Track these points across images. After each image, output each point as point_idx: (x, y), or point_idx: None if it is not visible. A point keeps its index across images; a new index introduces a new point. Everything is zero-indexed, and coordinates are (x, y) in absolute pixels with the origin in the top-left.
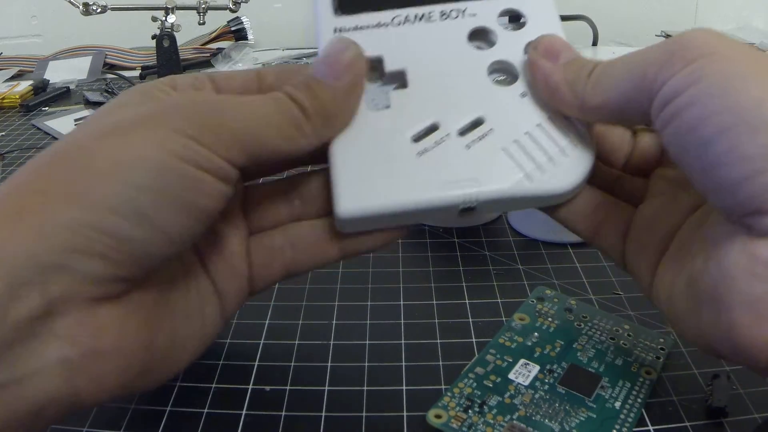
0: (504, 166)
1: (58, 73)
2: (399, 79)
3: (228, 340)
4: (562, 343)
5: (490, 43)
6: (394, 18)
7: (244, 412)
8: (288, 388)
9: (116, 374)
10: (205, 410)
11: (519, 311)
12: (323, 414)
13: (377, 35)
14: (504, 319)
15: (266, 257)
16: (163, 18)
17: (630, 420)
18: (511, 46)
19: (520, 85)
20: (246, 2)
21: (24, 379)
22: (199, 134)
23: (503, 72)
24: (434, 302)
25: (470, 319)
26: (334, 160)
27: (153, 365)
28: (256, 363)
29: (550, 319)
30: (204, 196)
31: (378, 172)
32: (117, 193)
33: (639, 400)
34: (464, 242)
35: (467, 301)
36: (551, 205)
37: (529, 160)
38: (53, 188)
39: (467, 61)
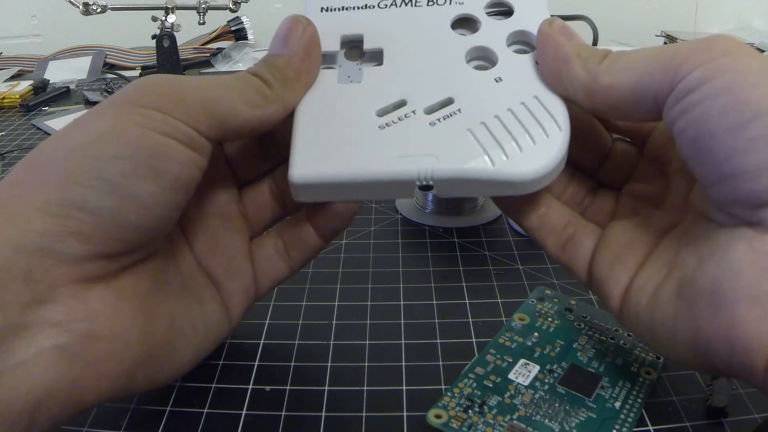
0: (466, 146)
1: (58, 73)
2: (377, 59)
3: (228, 340)
4: (562, 343)
5: (473, 31)
6: (380, 1)
7: (244, 412)
8: (288, 388)
9: (114, 360)
10: (205, 410)
11: (519, 311)
12: (323, 414)
13: (361, 15)
14: (504, 319)
15: (267, 255)
16: (163, 18)
17: (630, 420)
18: (493, 34)
19: (496, 71)
20: (246, 2)
21: (19, 367)
22: (163, 105)
23: (482, 59)
24: (434, 302)
25: (470, 319)
26: (295, 126)
27: (154, 353)
28: (256, 363)
29: (550, 319)
30: (173, 163)
31: (336, 142)
32: (81, 166)
33: (639, 400)
34: (464, 242)
35: (467, 301)
36: (518, 197)
37: (494, 143)
38: (24, 177)
39: (446, 44)
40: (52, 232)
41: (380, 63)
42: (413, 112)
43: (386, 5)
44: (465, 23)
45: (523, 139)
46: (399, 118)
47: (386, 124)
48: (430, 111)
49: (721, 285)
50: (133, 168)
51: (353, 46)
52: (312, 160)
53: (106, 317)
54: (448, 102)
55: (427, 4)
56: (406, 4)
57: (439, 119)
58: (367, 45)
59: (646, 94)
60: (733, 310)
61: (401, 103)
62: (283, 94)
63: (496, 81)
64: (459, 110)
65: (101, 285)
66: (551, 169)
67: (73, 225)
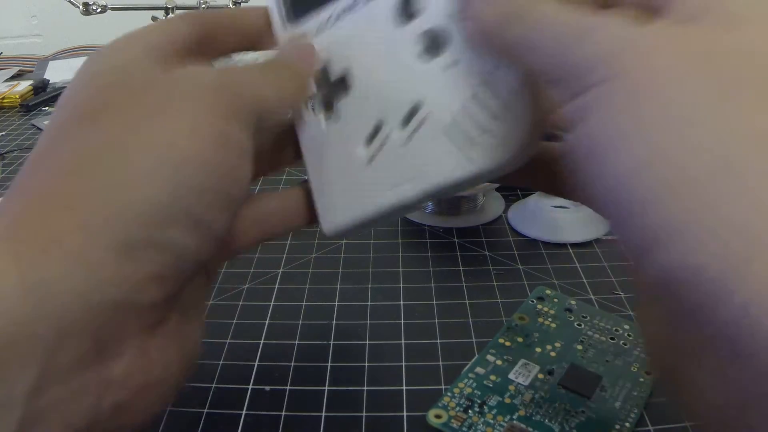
0: (445, 153)
1: (58, 73)
2: (345, 86)
3: (228, 340)
4: (562, 343)
5: (419, 12)
6: (329, 18)
7: (244, 412)
8: (288, 388)
9: (159, 404)
10: (205, 410)
11: (519, 311)
12: (323, 414)
13: (319, 43)
14: (504, 319)
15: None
16: (163, 18)
17: (630, 420)
18: (437, 11)
19: (450, 54)
20: (246, 2)
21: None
22: (237, 114)
23: (435, 45)
24: (434, 302)
25: (470, 319)
26: (309, 180)
27: (182, 382)
28: (256, 363)
29: (550, 319)
30: (242, 185)
31: (341, 191)
32: (167, 197)
33: (639, 400)
34: (464, 242)
35: (467, 301)
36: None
37: (466, 140)
38: (85, 201)
39: (394, 41)
40: (131, 281)
41: (348, 90)
42: (390, 132)
43: (333, 21)
44: (407, 8)
45: (492, 124)
46: (381, 144)
47: (373, 156)
48: (404, 124)
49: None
50: (214, 198)
51: (321, 80)
52: (331, 214)
53: (160, 366)
54: (417, 108)
55: (365, 2)
56: (348, 11)
57: (415, 130)
58: (333, 76)
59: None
60: None
61: (378, 127)
62: (299, 82)
63: (454, 65)
64: (429, 113)
65: (160, 330)
66: (523, 142)
67: (155, 270)
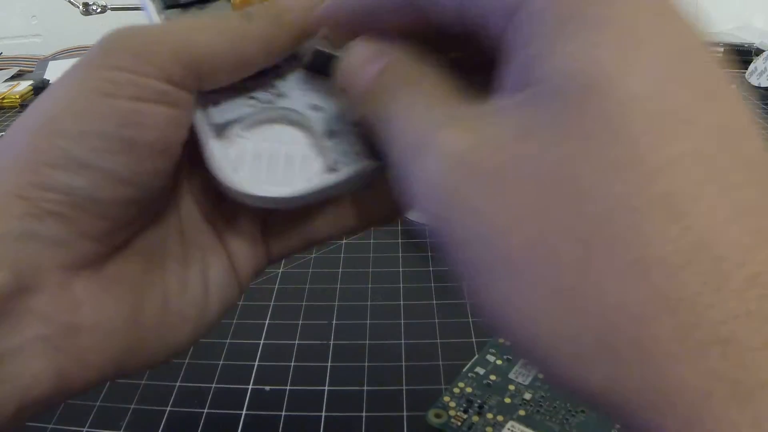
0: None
1: (58, 73)
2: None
3: (228, 340)
4: None
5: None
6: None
7: (244, 412)
8: (288, 388)
9: (99, 351)
10: (205, 410)
11: None
12: (323, 414)
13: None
14: None
15: (280, 219)
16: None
17: None
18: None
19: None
20: None
21: (4, 355)
22: (129, 62)
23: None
24: (434, 302)
25: (470, 319)
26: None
27: (144, 340)
28: (256, 363)
29: None
30: (146, 129)
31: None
32: (47, 144)
33: None
34: None
35: (467, 301)
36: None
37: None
38: None
39: None
40: (30, 214)
41: None
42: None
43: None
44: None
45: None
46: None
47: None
48: None
49: None
50: (101, 143)
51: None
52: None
53: (90, 308)
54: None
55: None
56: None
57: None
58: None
59: None
60: None
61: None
62: (265, 33)
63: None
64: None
65: (88, 272)
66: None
67: (50, 206)
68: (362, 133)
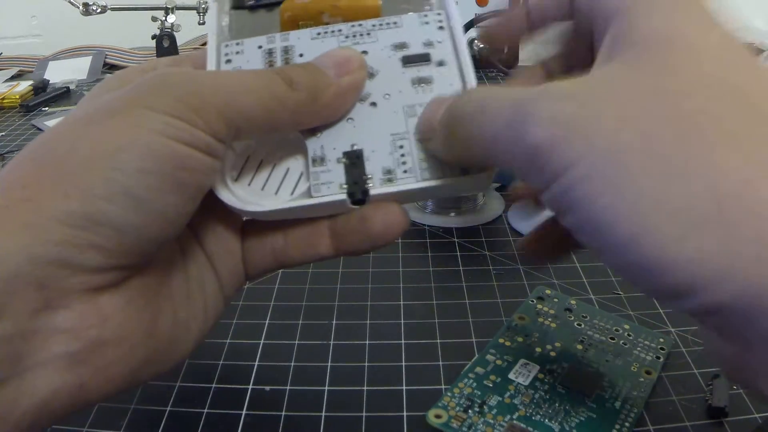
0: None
1: (58, 73)
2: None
3: (228, 340)
4: (562, 342)
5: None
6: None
7: (244, 412)
8: (288, 388)
9: (122, 364)
10: (205, 410)
11: (519, 311)
12: (323, 414)
13: None
14: (504, 319)
15: (258, 242)
16: (163, 18)
17: (630, 420)
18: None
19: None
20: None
21: (27, 373)
22: (182, 111)
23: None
24: (434, 302)
25: (470, 319)
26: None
27: (158, 351)
28: (256, 363)
29: (550, 319)
30: (197, 174)
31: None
32: (104, 179)
33: (639, 400)
34: (464, 242)
35: (467, 301)
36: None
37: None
38: (39, 181)
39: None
40: (72, 244)
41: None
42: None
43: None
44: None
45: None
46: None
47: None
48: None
49: None
50: (158, 182)
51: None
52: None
53: (116, 323)
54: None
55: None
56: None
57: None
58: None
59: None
60: None
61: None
62: (302, 108)
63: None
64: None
65: (112, 290)
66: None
67: (95, 240)
68: (348, 167)
